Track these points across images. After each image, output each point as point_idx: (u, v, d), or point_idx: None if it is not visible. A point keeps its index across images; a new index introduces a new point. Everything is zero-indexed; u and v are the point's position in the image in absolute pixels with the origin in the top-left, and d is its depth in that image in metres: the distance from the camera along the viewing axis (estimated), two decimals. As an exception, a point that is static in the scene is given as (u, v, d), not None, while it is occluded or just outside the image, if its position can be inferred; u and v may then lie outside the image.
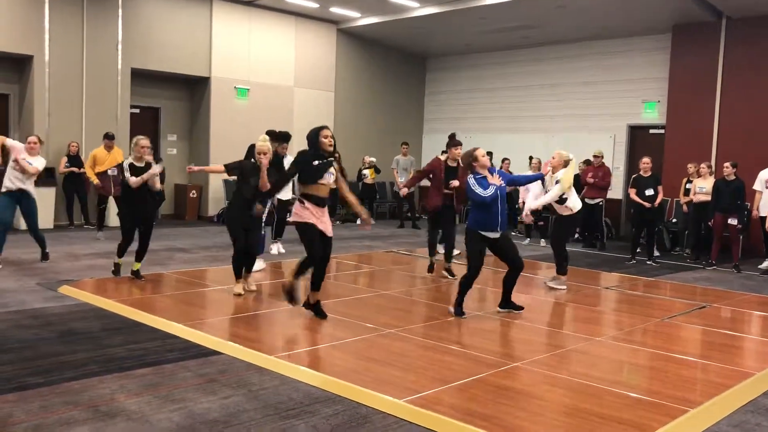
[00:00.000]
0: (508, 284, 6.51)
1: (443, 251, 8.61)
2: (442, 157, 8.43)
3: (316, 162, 5.80)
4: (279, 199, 9.10)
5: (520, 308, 6.57)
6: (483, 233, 6.26)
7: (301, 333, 5.66)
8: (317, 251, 5.82)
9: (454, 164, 8.25)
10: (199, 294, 7.12)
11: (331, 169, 5.87)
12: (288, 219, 8.06)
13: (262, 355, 4.90)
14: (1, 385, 4.13)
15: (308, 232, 5.82)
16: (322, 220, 5.89)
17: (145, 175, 7.23)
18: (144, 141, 7.33)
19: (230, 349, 5.06)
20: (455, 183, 8.14)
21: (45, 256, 8.50)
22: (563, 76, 15.27)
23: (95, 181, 11.02)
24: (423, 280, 8.35)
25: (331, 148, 5.86)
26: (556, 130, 15.16)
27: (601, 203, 12.19)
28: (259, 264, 8.04)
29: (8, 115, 12.60)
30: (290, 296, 5.97)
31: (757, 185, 10.24)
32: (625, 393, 4.37)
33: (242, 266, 7.02)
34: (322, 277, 6.02)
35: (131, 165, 7.26)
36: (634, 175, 10.64)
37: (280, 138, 8.24)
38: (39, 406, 3.83)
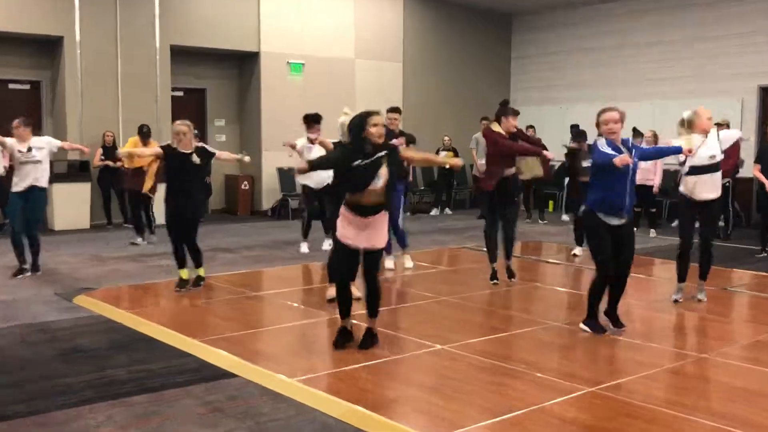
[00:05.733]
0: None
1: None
2: (497, 129, 7.61)
3: (358, 162, 5.11)
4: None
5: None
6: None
7: (334, 350, 5.40)
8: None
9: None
10: (230, 302, 7.01)
11: (382, 171, 5.15)
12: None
13: (280, 378, 4.71)
14: (-22, 415, 4.11)
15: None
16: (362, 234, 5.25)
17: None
18: (181, 127, 7.15)
19: (247, 370, 4.89)
20: (550, 154, 7.65)
21: (35, 267, 8.29)
22: (674, 31, 14.38)
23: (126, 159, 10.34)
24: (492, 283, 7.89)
25: (381, 140, 5.18)
26: (669, 96, 14.28)
27: (727, 184, 11.20)
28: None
29: (41, 103, 13.02)
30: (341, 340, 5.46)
31: None
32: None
33: None
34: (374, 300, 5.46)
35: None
36: (761, 147, 9.83)
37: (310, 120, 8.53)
38: (10, 441, 3.76)
